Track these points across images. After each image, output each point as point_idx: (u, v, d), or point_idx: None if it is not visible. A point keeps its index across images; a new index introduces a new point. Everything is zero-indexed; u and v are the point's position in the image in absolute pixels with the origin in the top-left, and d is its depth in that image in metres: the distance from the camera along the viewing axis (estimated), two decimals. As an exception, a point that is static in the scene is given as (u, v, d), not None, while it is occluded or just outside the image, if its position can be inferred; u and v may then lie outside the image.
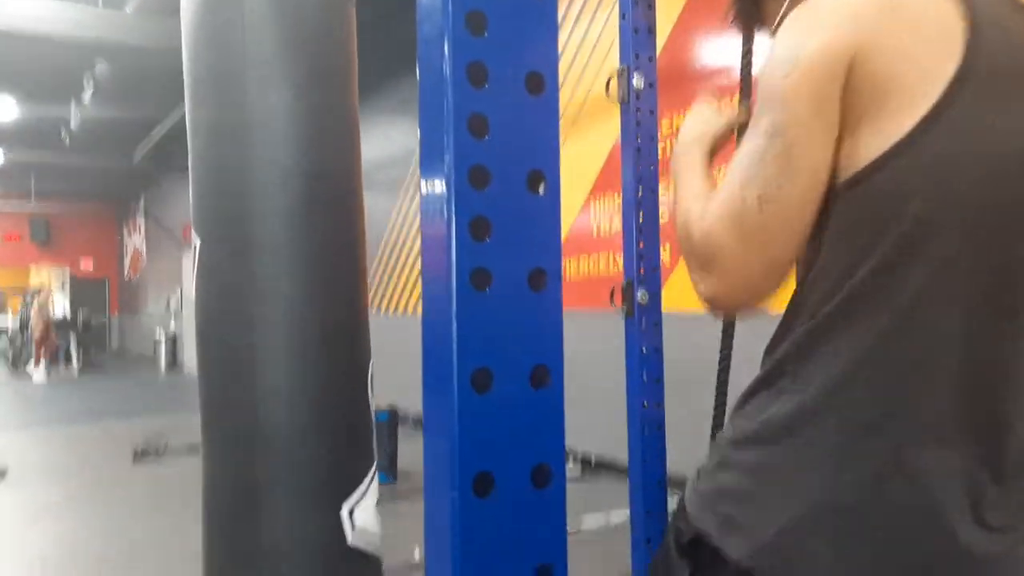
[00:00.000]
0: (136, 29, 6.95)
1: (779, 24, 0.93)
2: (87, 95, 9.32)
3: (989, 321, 0.79)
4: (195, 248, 1.42)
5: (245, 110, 1.36)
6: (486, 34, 0.67)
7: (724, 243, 0.81)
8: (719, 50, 4.68)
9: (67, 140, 11.74)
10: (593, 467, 5.32)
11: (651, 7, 1.65)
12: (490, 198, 0.66)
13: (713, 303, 0.85)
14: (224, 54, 1.39)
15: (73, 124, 11.02)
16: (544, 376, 0.70)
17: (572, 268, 5.58)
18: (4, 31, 6.41)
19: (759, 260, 0.81)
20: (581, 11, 5.62)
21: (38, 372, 14.04)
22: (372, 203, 7.10)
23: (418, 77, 0.67)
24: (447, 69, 0.63)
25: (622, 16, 1.70)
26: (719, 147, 0.99)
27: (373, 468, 1.52)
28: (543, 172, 0.69)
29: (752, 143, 0.81)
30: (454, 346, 0.66)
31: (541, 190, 0.69)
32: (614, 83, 1.48)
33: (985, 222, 0.78)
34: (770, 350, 0.87)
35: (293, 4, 1.38)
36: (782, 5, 0.95)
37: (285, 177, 1.37)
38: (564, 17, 5.81)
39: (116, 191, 18.55)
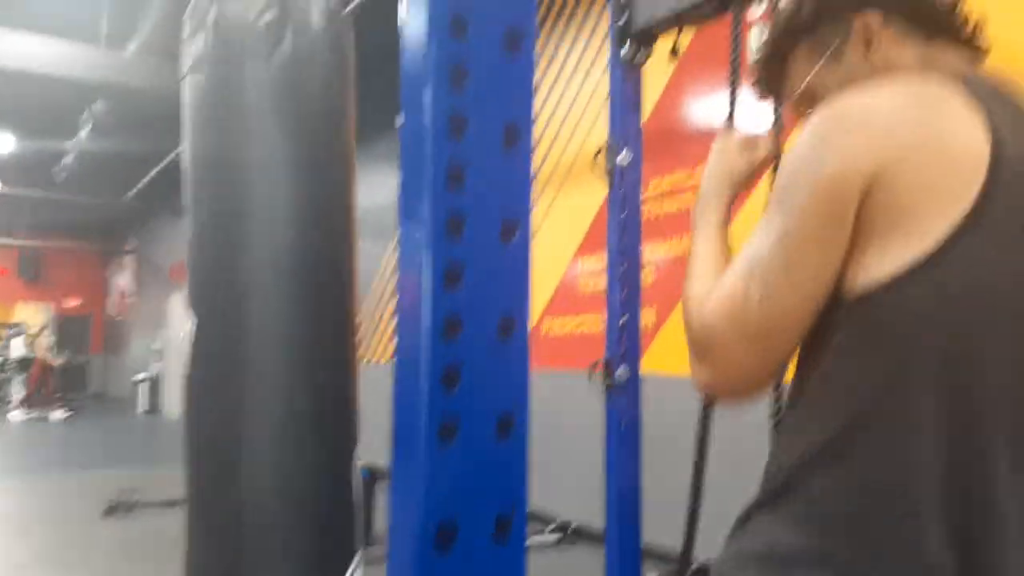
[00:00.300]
0: (135, 70, 7.05)
1: (802, 107, 0.97)
2: (84, 133, 9.39)
3: (979, 454, 0.79)
4: (190, 329, 1.42)
5: (246, 194, 1.38)
6: (466, 86, 0.69)
7: (721, 335, 0.82)
8: (707, 114, 4.79)
9: (62, 176, 11.78)
10: (570, 534, 5.23)
11: (638, 85, 1.71)
12: (465, 247, 0.67)
13: (708, 391, 0.87)
14: (226, 138, 1.41)
15: (68, 160, 11.08)
16: (510, 425, 0.70)
17: (558, 327, 5.59)
18: (5, 69, 6.48)
19: (755, 355, 0.82)
20: (577, 66, 5.75)
21: (17, 413, 13.86)
22: (363, 251, 7.09)
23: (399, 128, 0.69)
24: (428, 118, 0.65)
25: (611, 94, 1.75)
26: (744, 187, 1.00)
27: (356, 559, 1.50)
28: (515, 220, 0.70)
29: (761, 239, 0.82)
30: (425, 398, 0.66)
31: (513, 239, 0.70)
32: (602, 156, 1.52)
33: (988, 354, 0.78)
34: (777, 457, 0.86)
35: (296, 90, 1.41)
36: (807, 73, 0.96)
37: (282, 263, 1.39)
38: (560, 71, 5.93)
39: (107, 228, 18.56)
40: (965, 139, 0.77)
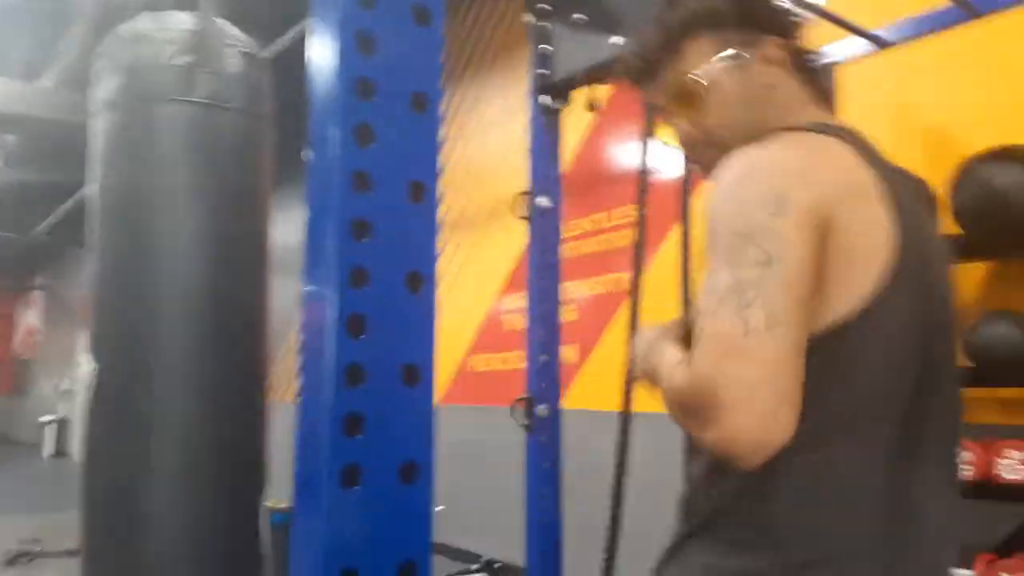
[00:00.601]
0: (49, 102, 6.83)
1: (682, 101, 0.99)
2: (-7, 166, 9.04)
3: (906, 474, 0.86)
4: (91, 374, 1.38)
5: (150, 234, 1.36)
6: (373, 144, 0.72)
7: (728, 380, 0.75)
8: (627, 158, 4.93)
9: (-37, 210, 11.26)
10: (497, 571, 5.20)
11: (556, 133, 1.77)
12: (369, 297, 0.69)
13: (733, 447, 0.76)
14: (135, 178, 1.39)
15: (-29, 194, 10.61)
16: (413, 474, 0.72)
17: (483, 363, 5.60)
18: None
19: (771, 385, 0.75)
20: (501, 113, 5.84)
21: None
22: (281, 287, 6.99)
23: (306, 181, 0.71)
24: (334, 175, 0.67)
25: (531, 141, 1.81)
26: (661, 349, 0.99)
27: None
28: (420, 272, 0.73)
29: (742, 273, 0.78)
30: (327, 444, 0.67)
31: (419, 290, 0.73)
32: (519, 202, 1.57)
33: (914, 387, 0.85)
34: (703, 487, 0.89)
35: (209, 132, 1.41)
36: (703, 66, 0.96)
37: (190, 303, 1.36)
38: (483, 119, 6.02)
39: (14, 264, 17.75)
40: (874, 191, 0.83)
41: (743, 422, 0.74)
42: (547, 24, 2.07)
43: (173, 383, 1.32)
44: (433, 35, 0.76)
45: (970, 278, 3.11)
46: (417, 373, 0.75)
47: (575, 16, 1.95)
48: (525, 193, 1.81)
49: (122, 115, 1.42)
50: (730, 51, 0.95)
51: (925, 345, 0.87)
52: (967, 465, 2.58)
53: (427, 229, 0.76)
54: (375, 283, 0.73)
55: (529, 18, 2.18)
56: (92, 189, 1.45)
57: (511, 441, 2.39)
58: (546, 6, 2.06)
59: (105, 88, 1.45)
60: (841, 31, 2.86)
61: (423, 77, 0.73)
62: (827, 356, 0.81)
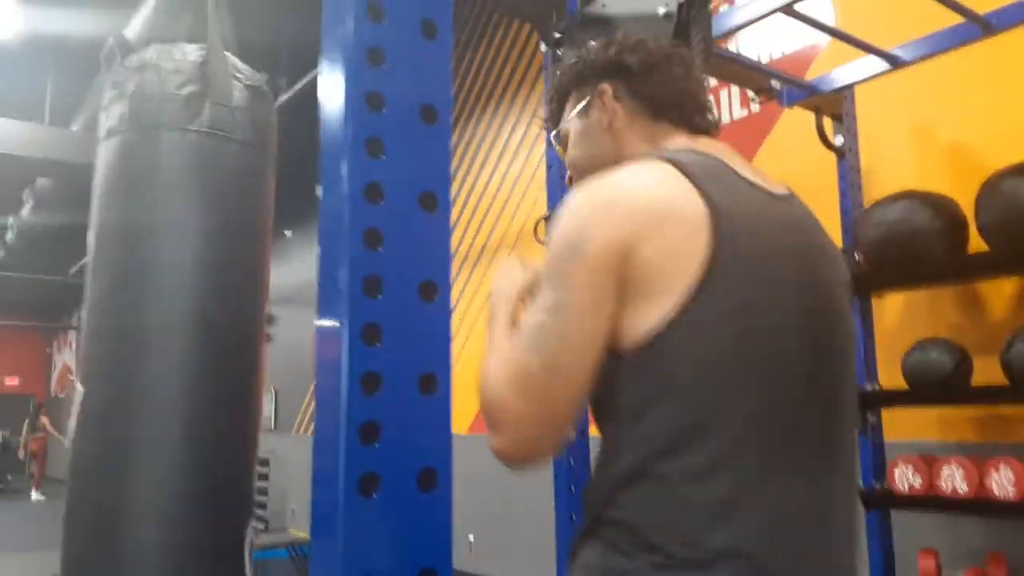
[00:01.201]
0: (79, 147, 7.02)
1: (563, 146, 1.20)
2: (26, 209, 9.26)
3: (774, 470, 0.91)
4: (78, 397, 1.37)
5: (149, 261, 1.36)
6: (383, 156, 0.74)
7: (509, 404, 0.91)
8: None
9: (1, 253, 11.53)
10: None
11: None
12: (383, 306, 0.71)
13: (500, 456, 0.94)
14: (134, 204, 1.40)
15: (9, 237, 10.87)
16: (431, 482, 0.72)
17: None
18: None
19: (539, 420, 0.90)
20: (521, 142, 5.90)
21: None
22: (299, 321, 7.01)
23: (320, 196, 0.73)
24: (346, 189, 0.69)
25: (548, 166, 1.83)
26: (526, 297, 1.10)
27: None
28: (434, 281, 0.74)
29: (537, 316, 0.93)
30: (343, 453, 0.68)
31: (434, 300, 0.74)
32: (542, 227, 1.59)
33: (743, 387, 0.91)
34: (588, 495, 0.97)
35: (211, 161, 1.43)
36: (566, 119, 1.18)
37: (181, 329, 1.35)
38: (504, 148, 6.07)
39: (49, 305, 18.09)
40: (690, 210, 0.91)
41: (509, 443, 0.92)
42: (560, 51, 2.10)
43: (157, 410, 1.32)
44: (442, 48, 0.79)
45: (999, 295, 3.07)
46: (434, 381, 0.76)
47: (589, 43, 1.98)
48: (546, 218, 1.82)
49: (126, 142, 1.45)
50: (578, 102, 1.16)
51: (782, 349, 0.93)
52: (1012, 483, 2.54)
53: (441, 238, 0.77)
54: (388, 292, 0.74)
55: (544, 47, 2.21)
56: (94, 214, 1.47)
57: (541, 468, 2.38)
58: (560, 34, 2.09)
59: (110, 116, 1.48)
60: (857, 51, 2.87)
61: (433, 89, 0.75)
62: (647, 368, 0.90)
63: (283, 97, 6.32)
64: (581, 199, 0.96)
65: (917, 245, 2.82)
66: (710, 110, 1.14)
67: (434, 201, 0.74)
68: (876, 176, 3.34)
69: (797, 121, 3.58)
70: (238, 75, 1.50)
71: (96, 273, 1.43)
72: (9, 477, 15.85)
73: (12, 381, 19.60)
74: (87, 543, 1.32)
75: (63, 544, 1.34)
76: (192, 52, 1.44)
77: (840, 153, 3.22)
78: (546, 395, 0.91)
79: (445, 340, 0.76)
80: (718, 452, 0.89)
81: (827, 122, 3.20)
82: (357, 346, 0.70)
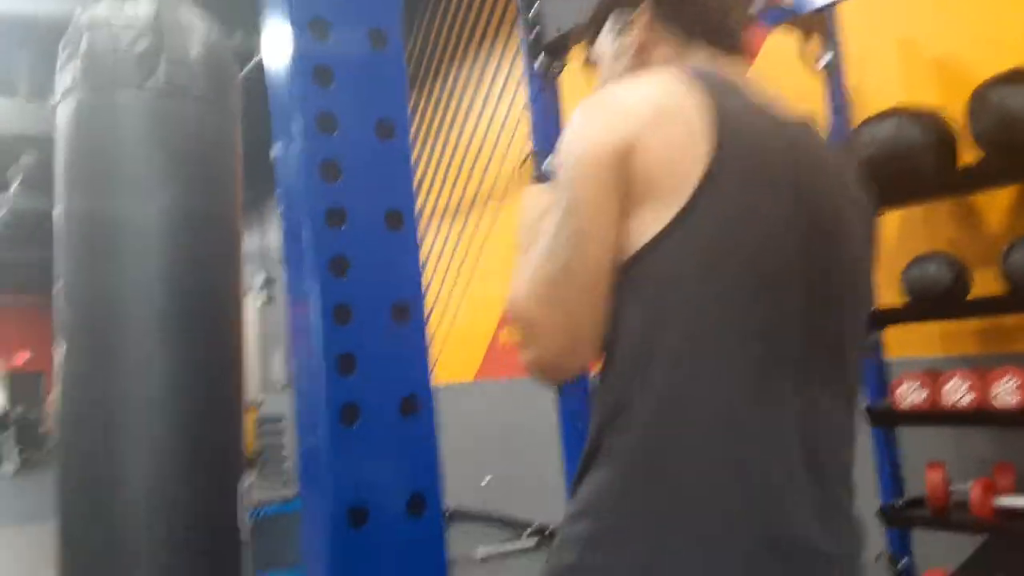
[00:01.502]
0: (64, 118, 6.95)
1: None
2: (13, 187, 9.20)
3: (775, 377, 0.89)
4: (59, 353, 1.36)
5: (112, 215, 1.34)
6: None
7: (534, 316, 0.90)
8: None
9: (-3, 232, 11.50)
10: (548, 537, 5.26)
11: (555, 94, 1.76)
12: (348, 238, 0.70)
13: (532, 371, 0.93)
14: (95, 161, 1.38)
15: (2, 215, 10.83)
16: (413, 408, 0.73)
17: (512, 337, 5.62)
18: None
19: (564, 328, 0.89)
20: (504, 89, 5.82)
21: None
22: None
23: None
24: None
25: (530, 104, 1.80)
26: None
27: None
28: (400, 211, 0.73)
29: (549, 225, 0.92)
30: (323, 384, 0.68)
31: (400, 229, 0.73)
32: (527, 164, 1.57)
33: (742, 300, 0.89)
34: (591, 420, 0.95)
35: (169, 119, 1.39)
36: (604, 42, 1.15)
37: (155, 285, 1.33)
38: (488, 95, 5.99)
39: (51, 283, 18.07)
40: (691, 112, 0.89)
41: (539, 356, 0.91)
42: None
43: (136, 366, 1.31)
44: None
45: (995, 206, 3.05)
46: (407, 309, 0.76)
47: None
48: (533, 153, 1.80)
49: (81, 103, 1.42)
50: (616, 24, 1.13)
51: (778, 263, 0.91)
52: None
53: (402, 168, 0.76)
54: (353, 223, 0.74)
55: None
56: (57, 176, 1.45)
57: (547, 409, 2.40)
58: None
59: (64, 77, 1.45)
60: (839, -36, 2.80)
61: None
62: (640, 280, 0.89)
63: (258, 57, 6.21)
64: (583, 109, 0.95)
65: (910, 160, 2.79)
66: (744, 31, 1.12)
67: (391, 128, 0.73)
68: (864, 95, 3.29)
69: (781, 44, 3.51)
70: (194, 29, 1.46)
71: (65, 235, 1.42)
72: (27, 452, 16.08)
73: (22, 358, 19.75)
74: (77, 501, 1.33)
75: (57, 503, 1.35)
76: (144, 6, 1.40)
77: (826, 74, 3.17)
78: (566, 302, 0.90)
79: (415, 268, 0.75)
80: (711, 367, 0.88)
81: (812, 43, 3.14)
82: (326, 277, 0.70)
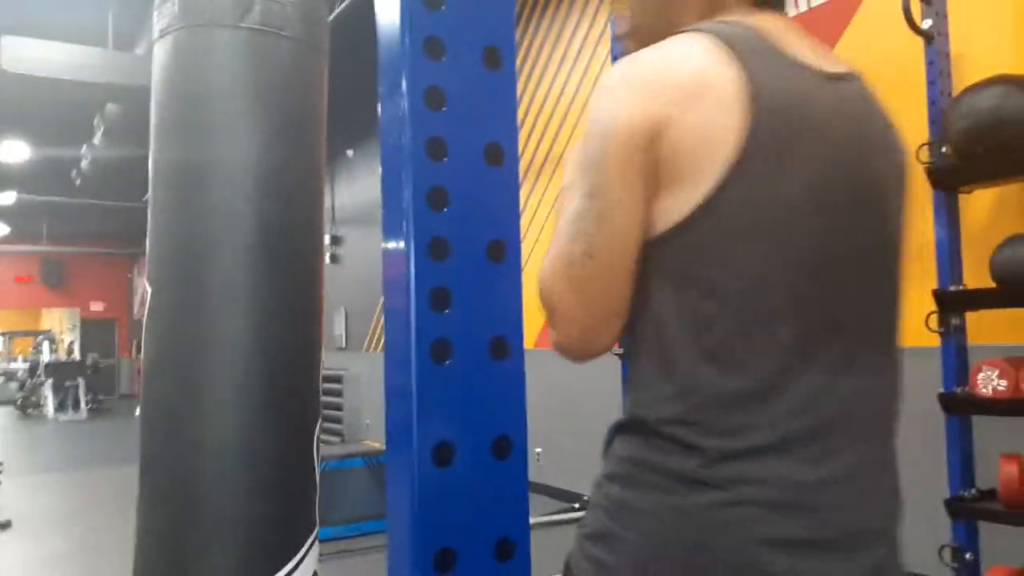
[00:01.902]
0: (146, 70, 7.11)
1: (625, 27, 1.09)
2: (97, 136, 9.48)
3: (806, 357, 0.86)
4: (147, 295, 1.38)
5: (205, 158, 1.35)
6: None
7: (560, 295, 0.89)
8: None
9: (78, 182, 11.91)
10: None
11: None
12: (448, 172, 0.67)
13: (557, 351, 0.92)
14: (189, 101, 1.38)
15: (84, 165, 11.18)
16: (503, 350, 0.71)
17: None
18: (16, 75, 6.55)
19: (588, 310, 0.88)
20: (584, 42, 5.72)
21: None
22: (365, 242, 7.06)
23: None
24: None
25: (614, 59, 1.73)
26: None
27: (313, 536, 1.46)
28: (500, 144, 0.71)
29: (576, 202, 0.90)
30: (414, 320, 0.66)
31: (501, 164, 0.71)
32: None
33: (776, 280, 0.86)
34: (625, 391, 0.95)
35: (264, 58, 1.39)
36: None
37: (243, 229, 1.33)
38: (565, 56, 5.90)
39: (127, 232, 18.74)
40: (725, 84, 0.84)
41: (564, 337, 0.90)
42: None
43: (222, 307, 1.32)
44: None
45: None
46: (503, 248, 0.74)
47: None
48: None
49: (178, 40, 1.42)
50: None
51: (829, 237, 0.88)
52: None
53: (507, 100, 0.74)
54: (453, 157, 0.71)
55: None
56: (153, 115, 1.46)
57: (607, 380, 2.36)
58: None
59: (163, 15, 1.46)
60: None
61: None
62: (671, 260, 0.87)
63: (338, 9, 6.23)
64: (612, 77, 0.91)
65: (1010, 134, 2.64)
66: None
67: (498, 57, 0.70)
68: (967, 62, 3.12)
69: (881, 4, 3.35)
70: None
71: (157, 174, 1.43)
72: (101, 397, 16.82)
73: (97, 307, 20.58)
74: (160, 440, 1.37)
75: (140, 442, 1.39)
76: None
77: (928, 37, 3.00)
78: (588, 282, 0.89)
79: (513, 208, 0.73)
80: (737, 349, 0.85)
81: (914, 3, 2.98)
82: (423, 210, 0.68)
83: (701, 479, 0.84)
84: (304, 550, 1.40)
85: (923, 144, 2.92)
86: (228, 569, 1.34)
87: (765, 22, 0.97)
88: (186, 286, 1.35)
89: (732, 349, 0.86)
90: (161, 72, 1.43)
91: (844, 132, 0.92)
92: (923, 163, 2.90)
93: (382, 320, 8.18)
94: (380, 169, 0.72)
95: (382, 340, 7.35)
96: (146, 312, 1.40)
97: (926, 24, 3.00)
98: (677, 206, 0.86)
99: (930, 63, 3.00)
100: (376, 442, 5.98)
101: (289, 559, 1.37)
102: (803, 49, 0.95)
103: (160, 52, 1.43)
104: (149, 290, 1.40)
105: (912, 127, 3.10)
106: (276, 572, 1.35)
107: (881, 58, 3.49)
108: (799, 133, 0.87)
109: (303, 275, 1.43)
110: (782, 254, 0.86)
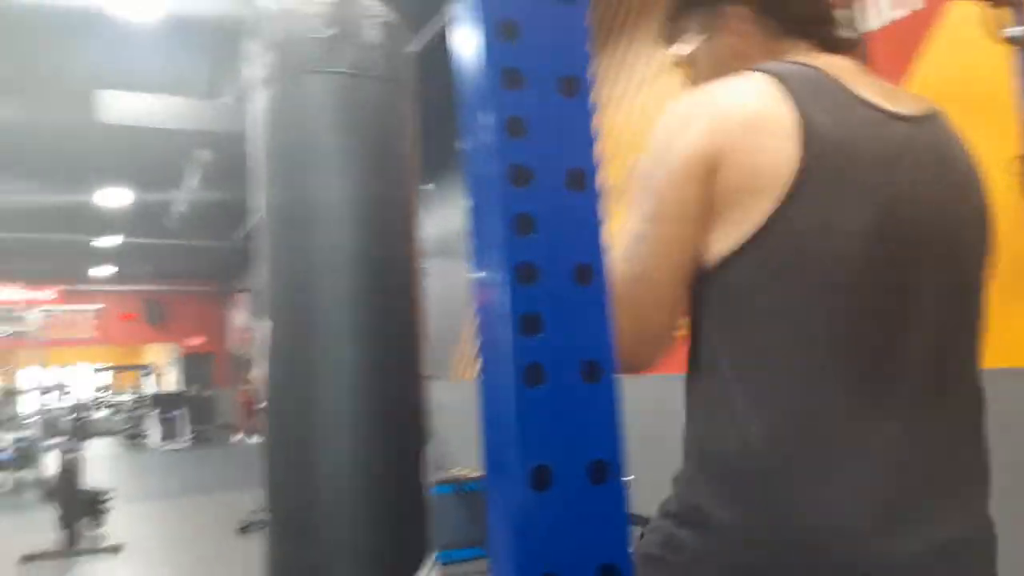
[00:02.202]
0: (233, 116, 7.45)
1: (681, 66, 1.14)
2: (191, 181, 9.95)
3: (860, 390, 0.87)
4: (266, 332, 1.47)
5: (309, 198, 1.43)
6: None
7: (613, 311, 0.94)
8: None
9: (174, 224, 12.51)
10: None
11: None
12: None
13: None
14: (290, 145, 1.47)
15: (179, 208, 11.74)
16: (596, 373, 0.71)
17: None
18: (117, 125, 6.97)
19: (631, 329, 0.89)
20: (658, 70, 5.70)
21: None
22: (446, 273, 7.16)
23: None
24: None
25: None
26: None
27: (429, 557, 1.50)
28: (583, 171, 0.72)
29: (632, 224, 0.93)
30: (509, 344, 0.68)
31: (583, 188, 0.71)
32: None
33: (826, 307, 0.87)
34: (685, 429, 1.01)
35: (352, 99, 1.46)
36: (686, 40, 1.12)
37: (348, 263, 1.42)
38: (633, 81, 5.88)
39: (220, 270, 19.55)
40: (779, 121, 0.86)
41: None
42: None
43: (334, 336, 1.41)
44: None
45: None
46: (590, 272, 0.74)
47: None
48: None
49: (275, 90, 1.50)
50: (698, 28, 1.08)
51: (882, 275, 0.88)
52: None
53: (584, 123, 0.75)
54: (539, 183, 0.73)
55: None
56: (255, 160, 1.54)
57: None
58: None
59: (257, 65, 1.54)
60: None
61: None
62: (717, 293, 0.90)
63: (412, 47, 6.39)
64: (673, 111, 0.94)
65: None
66: (850, 25, 1.06)
67: (576, 85, 0.71)
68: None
69: (963, 15, 3.22)
70: (371, 12, 1.51)
71: (266, 216, 1.53)
72: (201, 427, 17.49)
73: (196, 341, 21.49)
74: (282, 467, 1.45)
75: (265, 467, 1.47)
76: (327, -7, 1.47)
77: (1017, 45, 2.87)
78: (638, 305, 0.91)
79: (598, 231, 0.73)
80: (782, 381, 0.87)
81: (1000, 13, 2.86)
82: (511, 237, 0.69)
83: None
84: (424, 571, 1.45)
85: (1015, 157, 2.79)
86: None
87: (831, 62, 0.97)
88: (299, 320, 1.44)
89: (766, 387, 0.89)
90: (262, 120, 1.52)
91: (912, 171, 0.91)
92: (1015, 176, 2.77)
93: (463, 348, 8.29)
94: (459, 200, 0.74)
95: (463, 368, 7.44)
96: (268, 348, 1.49)
97: (1016, 32, 2.87)
98: (726, 238, 0.88)
99: (1019, 74, 2.87)
100: (464, 470, 6.02)
101: (411, 577, 1.43)
102: (872, 90, 0.94)
103: (259, 101, 1.51)
104: (268, 326, 1.49)
105: (1000, 140, 2.95)
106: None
107: (966, 74, 3.35)
108: (850, 174, 0.87)
109: (405, 304, 1.50)
110: (825, 292, 0.87)
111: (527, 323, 0.69)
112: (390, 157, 1.50)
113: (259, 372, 1.54)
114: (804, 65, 0.95)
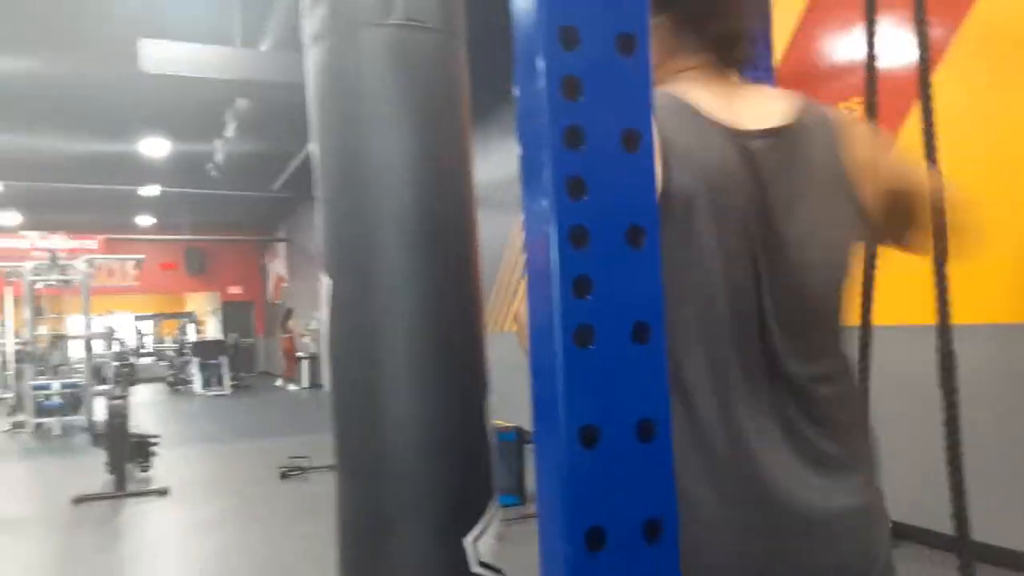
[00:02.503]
0: (271, 66, 7.44)
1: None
2: (230, 130, 9.99)
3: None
4: (327, 288, 1.50)
5: (364, 153, 1.44)
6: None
7: (521, 316, 0.98)
8: (843, 48, 4.53)
9: (213, 174, 12.63)
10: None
11: (768, 17, 1.64)
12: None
13: None
14: (344, 101, 1.47)
15: (218, 158, 11.82)
16: (644, 334, 0.72)
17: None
18: (155, 75, 7.00)
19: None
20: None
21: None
22: (492, 224, 7.18)
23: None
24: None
25: None
26: None
27: (493, 499, 1.54)
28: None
29: None
30: (559, 306, 0.69)
31: (637, 150, 0.71)
32: None
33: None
34: None
35: (407, 51, 1.45)
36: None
37: (405, 215, 1.43)
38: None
39: (259, 220, 19.75)
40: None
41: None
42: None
43: (394, 290, 1.43)
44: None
45: None
46: (641, 234, 0.74)
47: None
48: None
49: (330, 45, 1.49)
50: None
51: (736, 264, 0.98)
52: None
53: (641, 85, 0.74)
54: (591, 144, 0.73)
55: None
56: (312, 119, 1.54)
57: (910, 370, 2.30)
58: None
59: (313, 21, 1.53)
60: None
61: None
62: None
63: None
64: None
65: None
66: (750, 42, 1.14)
67: (632, 43, 0.70)
68: None
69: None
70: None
71: (323, 174, 1.54)
72: (242, 374, 17.89)
73: (235, 290, 21.85)
74: (348, 416, 1.50)
75: (333, 420, 1.52)
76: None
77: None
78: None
79: (651, 193, 0.73)
80: (692, 378, 0.97)
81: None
82: (563, 199, 0.70)
83: None
84: (488, 515, 1.50)
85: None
86: (421, 536, 1.45)
87: (696, 82, 1.07)
88: (359, 274, 1.46)
89: (686, 375, 0.98)
90: (316, 74, 1.52)
91: (771, 182, 1.02)
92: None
93: (498, 301, 8.30)
94: (502, 147, 0.75)
95: (499, 321, 7.45)
96: (328, 303, 1.52)
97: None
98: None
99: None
100: (501, 420, 6.08)
101: (475, 522, 1.47)
102: (726, 107, 1.04)
103: (313, 55, 1.51)
104: (328, 282, 1.52)
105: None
106: (464, 535, 1.45)
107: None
108: (709, 192, 0.97)
109: (462, 255, 1.51)
110: (697, 302, 0.97)
111: (578, 285, 0.70)
112: (446, 109, 1.49)
113: (301, 322, 1.56)
114: (668, 96, 1.04)
